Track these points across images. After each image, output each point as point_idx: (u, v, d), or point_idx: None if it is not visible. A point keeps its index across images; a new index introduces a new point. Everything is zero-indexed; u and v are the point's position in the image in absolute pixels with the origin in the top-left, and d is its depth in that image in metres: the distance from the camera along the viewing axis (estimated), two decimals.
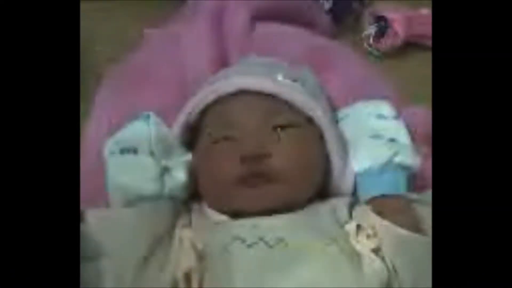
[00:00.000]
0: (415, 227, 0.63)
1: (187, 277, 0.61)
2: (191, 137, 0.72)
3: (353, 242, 0.63)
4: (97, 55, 0.92)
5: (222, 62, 0.85)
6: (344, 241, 0.63)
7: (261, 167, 0.65)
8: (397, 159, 0.70)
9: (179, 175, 0.68)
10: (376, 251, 0.62)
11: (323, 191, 0.71)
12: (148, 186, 0.67)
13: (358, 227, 0.64)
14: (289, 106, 0.68)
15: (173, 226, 0.65)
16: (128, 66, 0.87)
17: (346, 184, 0.70)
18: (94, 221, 0.63)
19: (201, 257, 0.62)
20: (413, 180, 0.71)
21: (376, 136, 0.71)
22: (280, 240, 0.62)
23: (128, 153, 0.68)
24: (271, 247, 0.62)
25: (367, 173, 0.70)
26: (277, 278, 0.60)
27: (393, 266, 0.61)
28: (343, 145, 0.71)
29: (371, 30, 1.07)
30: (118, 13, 1.02)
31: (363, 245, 0.63)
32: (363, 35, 1.07)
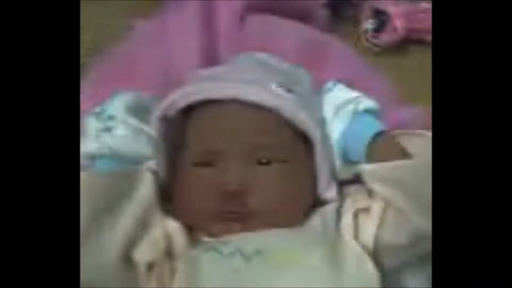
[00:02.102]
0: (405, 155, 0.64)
1: (150, 267, 0.61)
2: (174, 132, 0.70)
3: (350, 242, 0.63)
4: (83, 46, 0.91)
5: (211, 54, 0.85)
6: (328, 247, 0.62)
7: (240, 206, 0.64)
8: (361, 107, 0.69)
9: (119, 132, 0.68)
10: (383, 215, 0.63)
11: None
12: (86, 145, 0.67)
13: (355, 212, 0.65)
14: (280, 121, 0.66)
15: (129, 188, 0.64)
16: (114, 57, 0.88)
17: (332, 192, 0.68)
18: None
19: (169, 254, 0.63)
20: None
21: (339, 107, 0.70)
22: (258, 252, 0.61)
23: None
24: (248, 258, 0.61)
25: (345, 133, 0.68)
26: None
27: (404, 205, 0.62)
28: (332, 157, 0.69)
29: (370, 24, 1.07)
30: (106, 3, 1.02)
31: (366, 230, 0.64)
32: (361, 30, 1.07)
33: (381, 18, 1.06)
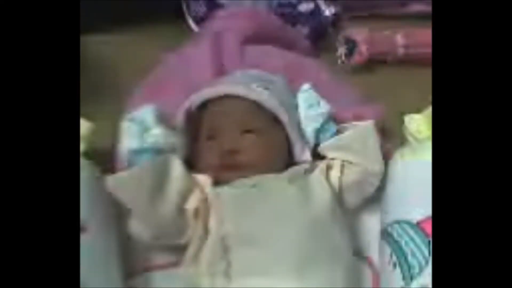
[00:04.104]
0: None
1: (196, 212, 0.83)
2: (195, 124, 0.93)
3: (318, 177, 0.88)
4: (127, 78, 1.11)
5: (220, 74, 1.03)
6: (301, 184, 0.86)
7: (233, 160, 0.87)
8: (325, 111, 0.94)
9: (155, 131, 0.87)
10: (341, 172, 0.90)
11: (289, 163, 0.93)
12: (132, 142, 0.86)
13: (328, 166, 0.89)
14: (260, 108, 0.89)
15: (167, 171, 0.84)
16: (151, 79, 1.07)
17: (305, 156, 0.93)
18: (111, 183, 0.81)
19: (205, 199, 0.84)
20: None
21: (310, 106, 0.95)
22: (254, 185, 0.85)
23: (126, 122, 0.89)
24: (249, 188, 0.85)
25: (318, 131, 0.93)
26: (255, 211, 0.82)
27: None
28: (302, 135, 0.93)
29: (342, 50, 1.22)
30: (142, 43, 1.20)
31: (332, 175, 0.89)
32: (337, 54, 1.22)
33: (350, 44, 1.20)
